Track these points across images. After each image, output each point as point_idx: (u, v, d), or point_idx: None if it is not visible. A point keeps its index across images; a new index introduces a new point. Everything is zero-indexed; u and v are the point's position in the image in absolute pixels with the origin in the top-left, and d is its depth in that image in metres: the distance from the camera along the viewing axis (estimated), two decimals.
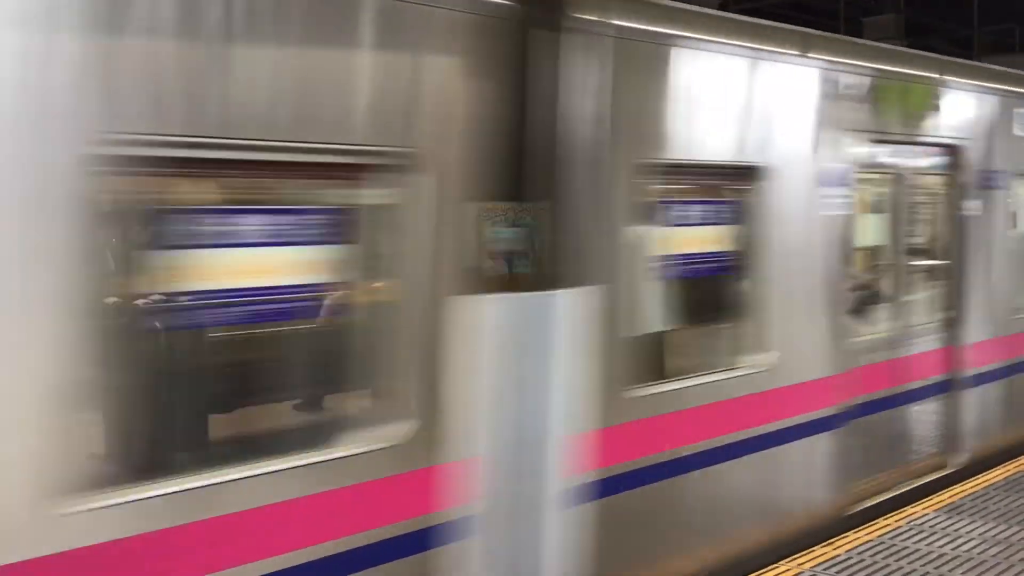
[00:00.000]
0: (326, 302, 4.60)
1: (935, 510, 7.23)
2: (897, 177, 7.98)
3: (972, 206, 8.58)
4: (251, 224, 4.27)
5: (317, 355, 4.70)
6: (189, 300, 4.17)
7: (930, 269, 8.36)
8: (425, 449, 4.60)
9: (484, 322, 4.72)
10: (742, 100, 6.32)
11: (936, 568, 6.14)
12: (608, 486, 5.37)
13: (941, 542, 6.57)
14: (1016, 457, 8.60)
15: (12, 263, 3.50)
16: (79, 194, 3.64)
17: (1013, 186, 9.16)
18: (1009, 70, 9.68)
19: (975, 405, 8.67)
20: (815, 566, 6.15)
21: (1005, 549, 6.44)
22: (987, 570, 6.11)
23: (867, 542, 6.56)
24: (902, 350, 7.93)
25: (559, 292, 5.01)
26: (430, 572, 4.64)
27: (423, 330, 4.60)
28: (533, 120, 4.90)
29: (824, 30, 8.07)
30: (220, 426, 4.55)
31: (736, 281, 6.51)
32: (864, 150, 7.43)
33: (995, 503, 7.40)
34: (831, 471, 7.02)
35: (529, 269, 4.92)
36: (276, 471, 4.16)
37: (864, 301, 7.74)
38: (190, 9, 3.91)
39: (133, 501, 3.80)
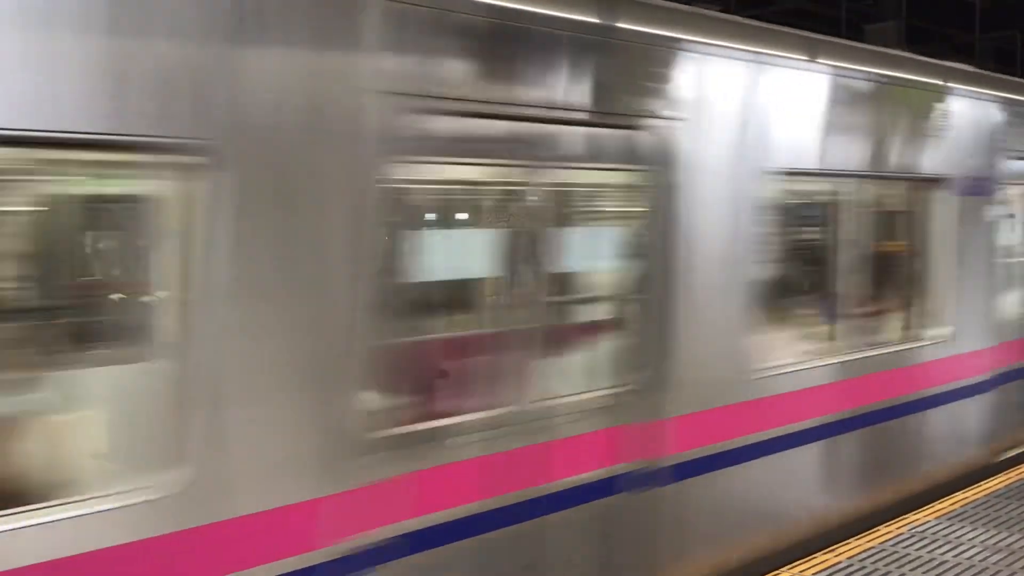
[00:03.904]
0: None
1: (936, 517, 7.23)
2: None
3: None
4: None
5: None
6: None
7: None
8: None
9: None
10: None
11: (938, 575, 6.14)
12: None
13: (943, 549, 6.58)
14: None
15: None
16: None
17: None
18: None
19: None
20: (816, 573, 6.16)
21: (1007, 556, 6.45)
22: None
23: (868, 549, 6.57)
24: None
25: None
26: None
27: None
28: None
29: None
30: None
31: None
32: None
33: (997, 510, 7.40)
34: None
35: None
36: None
37: None
38: None
39: None
